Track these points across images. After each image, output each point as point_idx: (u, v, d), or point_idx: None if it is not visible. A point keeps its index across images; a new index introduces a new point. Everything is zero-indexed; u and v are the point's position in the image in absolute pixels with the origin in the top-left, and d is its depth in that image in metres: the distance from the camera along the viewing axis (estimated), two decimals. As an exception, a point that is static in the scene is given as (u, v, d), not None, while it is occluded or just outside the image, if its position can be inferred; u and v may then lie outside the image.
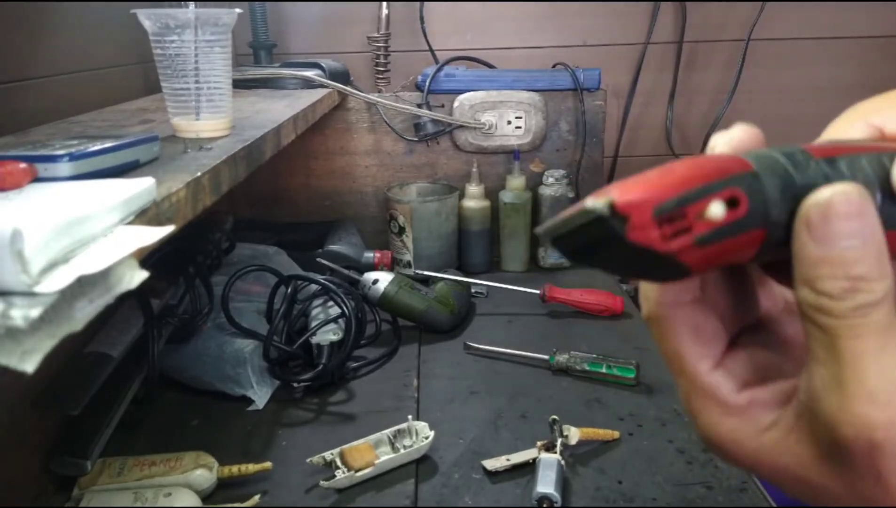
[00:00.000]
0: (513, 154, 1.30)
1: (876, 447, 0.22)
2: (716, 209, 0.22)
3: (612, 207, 0.22)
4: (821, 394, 0.23)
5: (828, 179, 0.24)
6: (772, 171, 0.23)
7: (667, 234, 0.22)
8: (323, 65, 1.19)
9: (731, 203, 0.23)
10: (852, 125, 0.29)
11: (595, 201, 0.22)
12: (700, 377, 0.27)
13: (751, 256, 0.24)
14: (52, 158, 0.45)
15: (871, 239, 0.22)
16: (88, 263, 0.32)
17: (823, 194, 0.23)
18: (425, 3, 1.38)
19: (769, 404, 0.26)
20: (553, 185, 1.28)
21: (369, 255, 1.25)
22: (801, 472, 0.25)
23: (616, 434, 0.80)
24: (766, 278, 0.29)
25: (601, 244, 0.23)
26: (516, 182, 1.29)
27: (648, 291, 0.27)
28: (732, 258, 0.24)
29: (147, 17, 0.62)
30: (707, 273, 0.26)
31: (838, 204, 0.22)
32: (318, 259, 1.07)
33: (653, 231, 0.22)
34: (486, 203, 1.29)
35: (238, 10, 0.66)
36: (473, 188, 1.28)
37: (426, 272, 1.19)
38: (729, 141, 0.27)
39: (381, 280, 1.05)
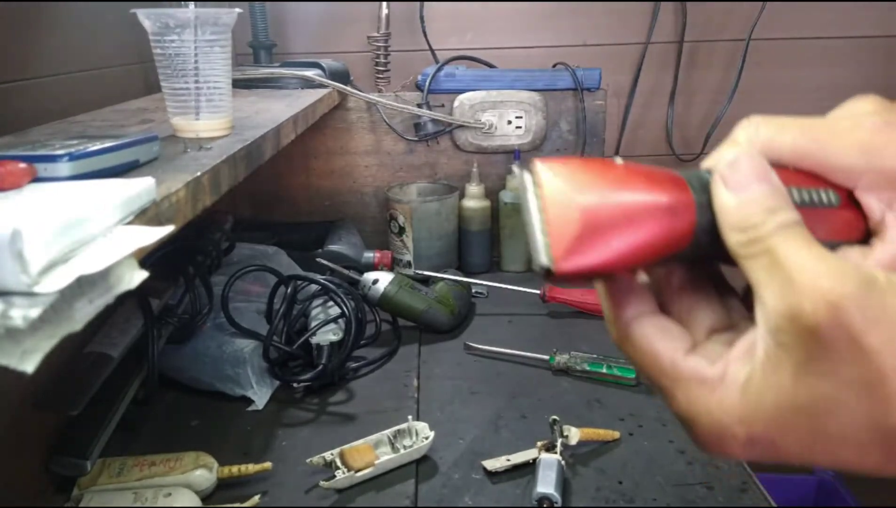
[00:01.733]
0: (513, 154, 1.29)
1: (838, 308, 0.23)
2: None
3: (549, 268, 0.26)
4: (776, 303, 0.25)
5: None
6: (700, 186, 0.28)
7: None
8: (323, 64, 1.19)
9: None
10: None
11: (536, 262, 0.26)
12: (678, 365, 0.28)
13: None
14: (52, 158, 0.45)
15: (776, 183, 0.27)
16: (88, 263, 0.32)
17: (728, 153, 0.28)
18: (425, 2, 1.38)
19: (740, 359, 0.27)
20: (553, 185, 1.27)
21: (369, 255, 1.25)
22: (788, 399, 0.25)
23: (616, 435, 0.80)
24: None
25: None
26: (517, 182, 1.28)
27: (610, 315, 0.30)
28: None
29: (147, 17, 0.62)
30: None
31: (741, 157, 0.27)
32: (317, 259, 1.07)
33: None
34: (486, 203, 1.29)
35: (238, 10, 0.66)
36: (474, 188, 1.28)
37: (426, 272, 1.19)
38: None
39: (381, 280, 1.05)
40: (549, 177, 0.27)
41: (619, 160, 0.28)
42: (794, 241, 0.25)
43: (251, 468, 0.74)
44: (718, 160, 0.29)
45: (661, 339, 0.29)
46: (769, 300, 0.25)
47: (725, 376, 0.27)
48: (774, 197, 0.26)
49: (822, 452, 0.25)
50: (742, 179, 0.27)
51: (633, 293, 0.30)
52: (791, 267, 0.25)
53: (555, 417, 0.77)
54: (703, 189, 0.28)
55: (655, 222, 0.27)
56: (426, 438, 0.77)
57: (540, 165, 0.27)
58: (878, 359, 0.23)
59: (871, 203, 0.29)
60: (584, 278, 0.27)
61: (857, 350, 0.23)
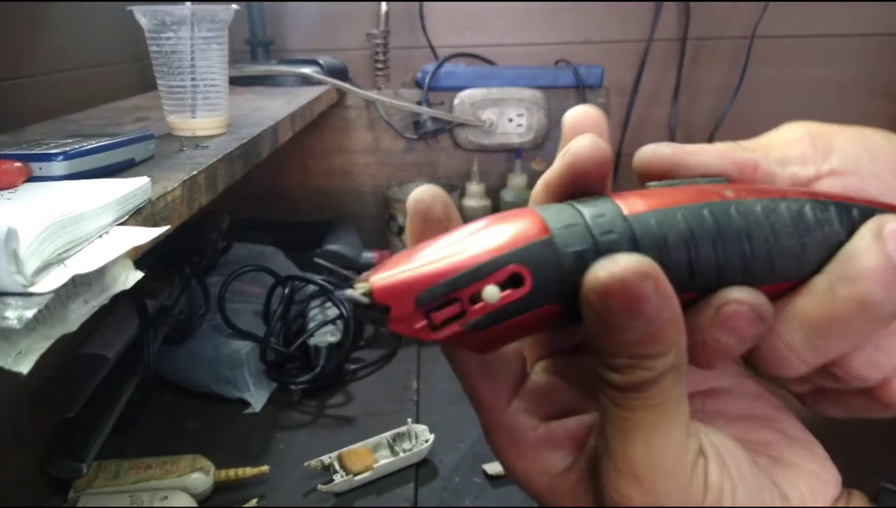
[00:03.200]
0: (514, 152, 1.29)
1: None
2: (490, 293, 0.21)
3: (372, 295, 0.21)
4: (599, 457, 0.23)
5: (634, 245, 0.22)
6: (569, 238, 0.21)
7: (436, 322, 0.21)
8: (321, 62, 1.18)
9: (513, 282, 0.21)
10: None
11: (357, 288, 0.21)
12: (496, 413, 0.26)
13: (549, 327, 0.23)
14: (47, 157, 0.44)
15: (653, 319, 0.20)
16: (83, 263, 0.32)
17: (600, 274, 0.20)
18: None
19: (564, 443, 0.25)
20: (553, 184, 1.27)
21: (368, 255, 1.24)
22: None
23: (619, 437, 0.79)
24: None
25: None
26: (517, 181, 1.28)
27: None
28: (525, 333, 0.23)
29: (143, 14, 0.61)
30: (504, 345, 0.24)
31: (613, 288, 0.20)
32: (315, 259, 1.06)
33: (416, 322, 0.21)
34: (486, 202, 1.28)
35: (235, 7, 0.65)
36: (474, 187, 1.28)
37: (425, 272, 1.18)
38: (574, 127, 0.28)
39: (381, 280, 1.04)
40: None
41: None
42: (640, 414, 0.22)
43: (248, 471, 0.73)
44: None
45: (482, 377, 0.26)
46: (599, 448, 0.23)
47: (542, 450, 0.25)
48: (644, 345, 0.21)
49: None
50: (611, 317, 0.20)
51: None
52: (620, 445, 0.22)
53: (557, 419, 0.77)
54: (577, 265, 0.21)
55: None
56: (426, 441, 0.77)
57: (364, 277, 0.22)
58: None
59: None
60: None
61: None
